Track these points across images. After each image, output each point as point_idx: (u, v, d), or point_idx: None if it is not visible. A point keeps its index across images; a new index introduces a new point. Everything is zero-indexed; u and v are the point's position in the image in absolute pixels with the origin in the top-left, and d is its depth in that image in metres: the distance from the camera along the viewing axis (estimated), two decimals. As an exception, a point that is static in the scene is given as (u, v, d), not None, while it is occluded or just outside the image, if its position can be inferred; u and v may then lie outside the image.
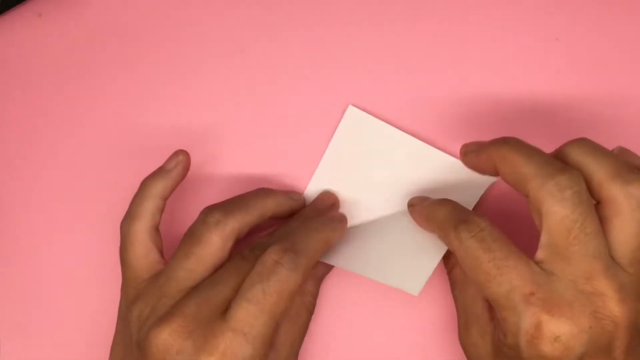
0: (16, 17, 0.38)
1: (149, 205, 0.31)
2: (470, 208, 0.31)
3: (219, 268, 0.29)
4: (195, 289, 0.28)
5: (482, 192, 0.32)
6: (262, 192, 0.32)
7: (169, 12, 0.38)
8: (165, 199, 0.31)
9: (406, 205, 0.32)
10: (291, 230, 0.31)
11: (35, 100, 0.37)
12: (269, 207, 0.31)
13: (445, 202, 0.29)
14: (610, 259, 0.25)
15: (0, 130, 0.37)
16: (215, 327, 0.26)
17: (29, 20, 0.38)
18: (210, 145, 0.36)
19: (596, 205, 0.26)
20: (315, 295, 0.32)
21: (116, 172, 0.36)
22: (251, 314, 0.26)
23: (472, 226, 0.26)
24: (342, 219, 0.33)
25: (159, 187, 0.31)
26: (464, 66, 0.36)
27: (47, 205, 0.36)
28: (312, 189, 0.34)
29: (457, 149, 0.31)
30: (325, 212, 0.34)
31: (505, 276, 0.25)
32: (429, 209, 0.30)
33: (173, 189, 0.32)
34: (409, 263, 0.31)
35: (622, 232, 0.25)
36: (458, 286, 0.30)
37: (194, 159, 0.33)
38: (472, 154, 0.30)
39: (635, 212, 0.25)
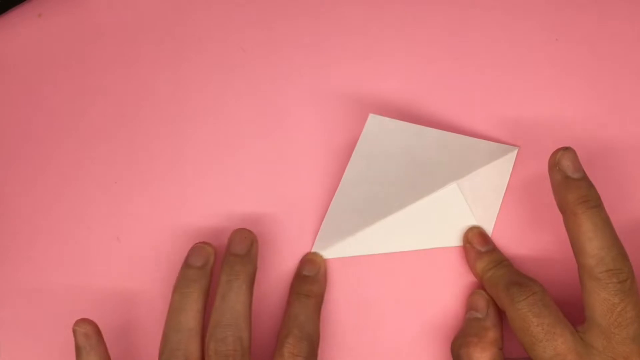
0: (16, 17, 0.38)
1: None
2: (505, 183, 0.33)
3: None
4: None
5: (511, 165, 0.33)
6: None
7: (169, 12, 0.38)
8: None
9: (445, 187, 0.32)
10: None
11: (35, 100, 0.37)
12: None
13: (501, 264, 0.31)
14: None
15: (0, 129, 0.37)
16: None
17: (29, 20, 0.38)
18: (211, 153, 0.36)
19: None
20: None
21: (116, 170, 0.36)
22: None
23: (525, 289, 0.28)
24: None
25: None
26: (463, 66, 0.36)
27: (47, 203, 0.36)
28: (336, 204, 0.34)
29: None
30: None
31: (551, 342, 0.27)
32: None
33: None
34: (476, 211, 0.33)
35: None
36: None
37: (197, 155, 0.32)
38: (558, 176, 0.29)
39: None
